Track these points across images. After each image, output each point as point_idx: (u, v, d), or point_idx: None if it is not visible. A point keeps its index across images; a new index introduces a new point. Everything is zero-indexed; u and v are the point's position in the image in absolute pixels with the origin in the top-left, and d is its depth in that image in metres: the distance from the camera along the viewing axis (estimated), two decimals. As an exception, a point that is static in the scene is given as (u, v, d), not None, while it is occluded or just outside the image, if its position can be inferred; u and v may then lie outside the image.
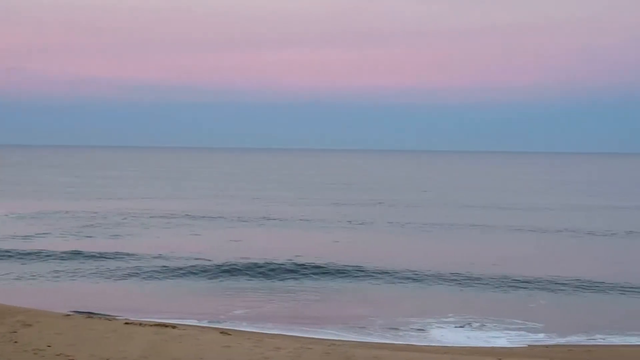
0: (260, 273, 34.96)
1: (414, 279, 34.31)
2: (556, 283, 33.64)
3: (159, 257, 38.56)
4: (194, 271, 35.21)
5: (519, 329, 26.54)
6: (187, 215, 58.70)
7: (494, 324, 26.97)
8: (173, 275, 34.53)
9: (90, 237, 46.75)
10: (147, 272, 35.06)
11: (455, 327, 26.72)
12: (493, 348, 23.32)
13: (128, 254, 39.24)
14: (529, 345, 24.16)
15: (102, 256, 38.78)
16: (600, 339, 25.19)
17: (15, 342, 19.26)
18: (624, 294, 32.00)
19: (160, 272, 34.99)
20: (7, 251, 39.91)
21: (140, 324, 22.62)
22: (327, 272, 35.12)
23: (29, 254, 39.29)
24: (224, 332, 22.48)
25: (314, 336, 23.78)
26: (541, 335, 25.73)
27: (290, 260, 37.32)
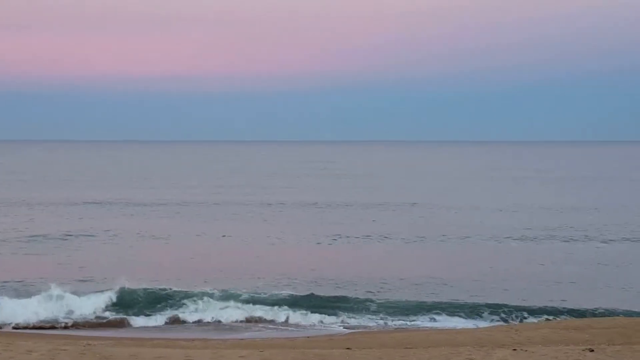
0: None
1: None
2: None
3: None
4: None
5: (281, 322, 26.73)
6: None
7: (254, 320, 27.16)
8: None
9: None
10: None
11: (227, 322, 26.72)
12: (254, 340, 23.20)
13: None
14: (288, 337, 24.25)
15: None
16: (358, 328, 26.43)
17: None
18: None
19: None
20: None
21: None
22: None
23: None
24: (-31, 336, 21.12)
25: (70, 334, 22.82)
26: (303, 327, 26.05)
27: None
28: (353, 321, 27.45)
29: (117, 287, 29.12)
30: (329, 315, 27.77)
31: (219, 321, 27.58)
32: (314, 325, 27.09)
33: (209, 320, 27.59)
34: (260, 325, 27.16)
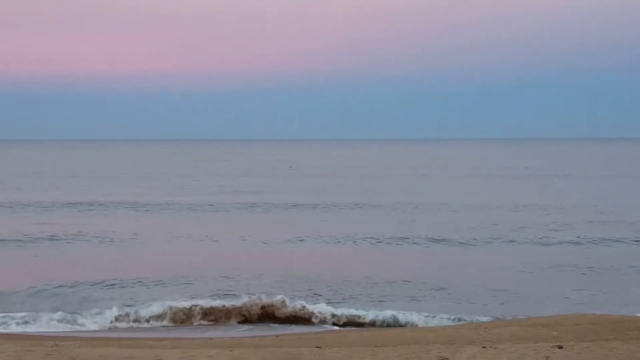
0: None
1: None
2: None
3: None
4: None
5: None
6: None
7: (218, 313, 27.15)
8: None
9: None
10: None
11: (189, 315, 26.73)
12: (223, 339, 23.13)
13: None
14: (258, 336, 24.21)
15: None
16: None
17: None
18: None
19: None
20: None
21: None
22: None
23: None
24: None
25: (38, 334, 22.64)
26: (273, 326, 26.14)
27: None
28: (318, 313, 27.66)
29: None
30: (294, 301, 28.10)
31: (179, 312, 27.60)
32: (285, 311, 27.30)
33: (166, 317, 27.56)
34: (230, 325, 27.15)
